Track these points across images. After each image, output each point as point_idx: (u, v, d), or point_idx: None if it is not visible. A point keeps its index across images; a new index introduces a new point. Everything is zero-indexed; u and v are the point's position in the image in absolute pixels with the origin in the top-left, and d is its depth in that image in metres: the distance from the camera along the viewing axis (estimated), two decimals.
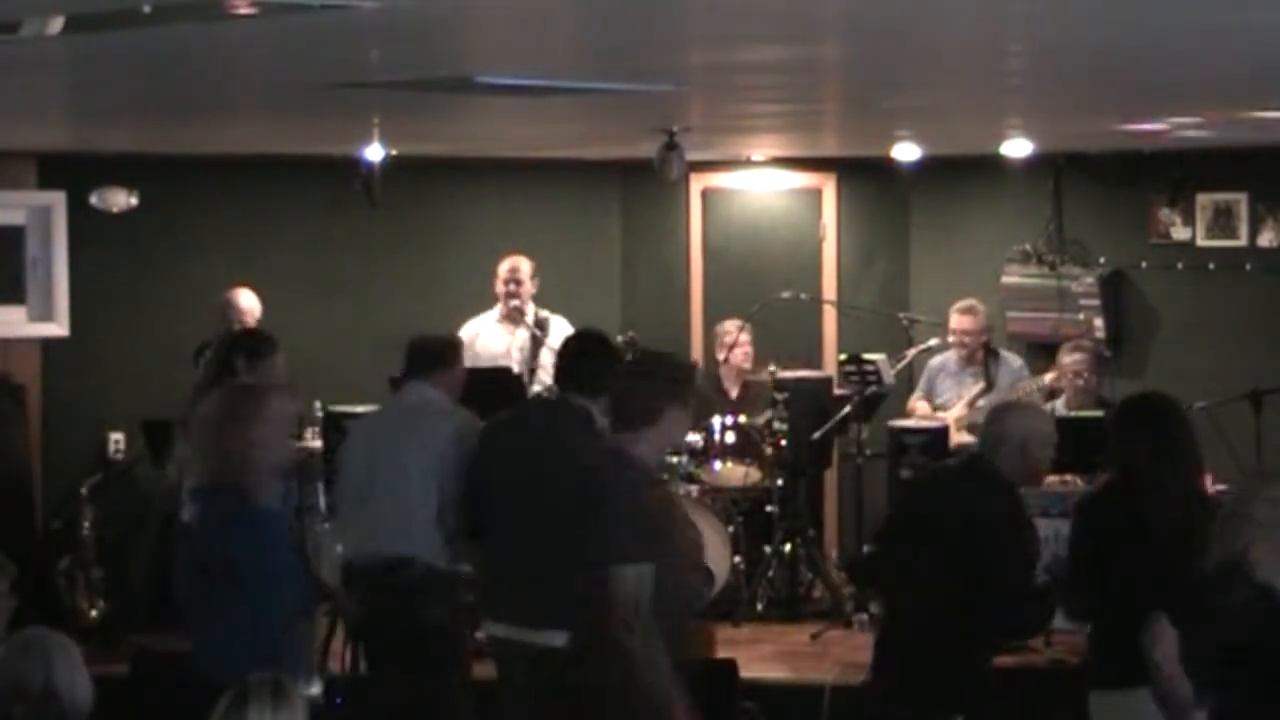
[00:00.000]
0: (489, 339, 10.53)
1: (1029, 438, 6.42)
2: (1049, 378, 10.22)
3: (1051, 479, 9.38)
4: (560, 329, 10.42)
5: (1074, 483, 9.34)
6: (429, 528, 7.21)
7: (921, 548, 6.42)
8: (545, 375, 10.19)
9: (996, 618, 6.34)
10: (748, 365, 10.76)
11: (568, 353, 6.72)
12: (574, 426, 6.45)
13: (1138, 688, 6.01)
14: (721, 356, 10.83)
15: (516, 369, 10.17)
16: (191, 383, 9.33)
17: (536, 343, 10.31)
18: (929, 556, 6.36)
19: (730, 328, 10.86)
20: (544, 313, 10.47)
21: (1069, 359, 10.05)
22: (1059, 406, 10.00)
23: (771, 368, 10.54)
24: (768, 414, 10.24)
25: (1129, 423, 6.40)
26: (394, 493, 7.28)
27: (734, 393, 10.71)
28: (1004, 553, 6.25)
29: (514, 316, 10.44)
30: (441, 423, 7.34)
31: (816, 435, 10.34)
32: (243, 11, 4.77)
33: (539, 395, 7.12)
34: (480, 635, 9.27)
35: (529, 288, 10.48)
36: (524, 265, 10.52)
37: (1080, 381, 9.95)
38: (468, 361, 10.38)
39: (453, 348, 7.82)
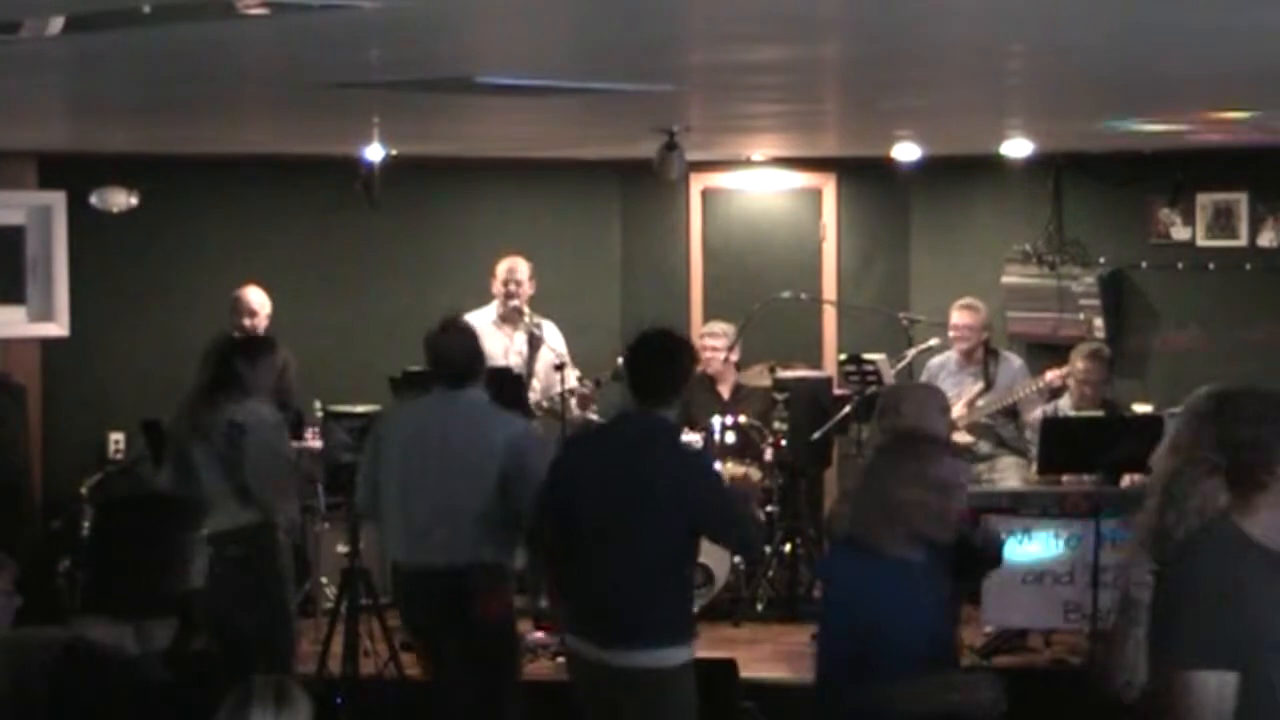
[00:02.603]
0: (486, 340, 10.49)
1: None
2: (1051, 375, 10.20)
3: (1065, 478, 9.41)
4: (551, 334, 10.42)
5: (1078, 482, 9.34)
6: (492, 527, 7.16)
7: None
8: (539, 381, 10.18)
9: None
10: (714, 370, 10.71)
11: (641, 363, 6.59)
12: (668, 446, 6.51)
13: None
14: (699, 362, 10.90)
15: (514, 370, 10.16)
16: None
17: (534, 344, 10.30)
18: None
19: (716, 329, 10.85)
20: (536, 318, 10.43)
21: (1082, 364, 10.00)
22: (1062, 406, 10.00)
23: (761, 367, 10.56)
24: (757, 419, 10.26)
25: None
26: (453, 495, 7.16)
27: (726, 394, 10.71)
28: None
29: (512, 317, 10.43)
30: (508, 424, 7.31)
31: (816, 435, 10.35)
32: (244, 11, 4.77)
33: (625, 413, 6.91)
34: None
35: (527, 288, 10.47)
36: (522, 266, 10.51)
37: (1087, 389, 9.95)
38: None
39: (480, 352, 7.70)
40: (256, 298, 10.38)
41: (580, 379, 10.05)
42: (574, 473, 6.63)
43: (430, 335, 7.50)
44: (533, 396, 10.07)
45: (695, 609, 9.79)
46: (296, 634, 8.25)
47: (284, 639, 7.95)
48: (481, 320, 10.58)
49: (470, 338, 7.54)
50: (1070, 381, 10.07)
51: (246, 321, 10.29)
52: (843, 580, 5.36)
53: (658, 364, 6.54)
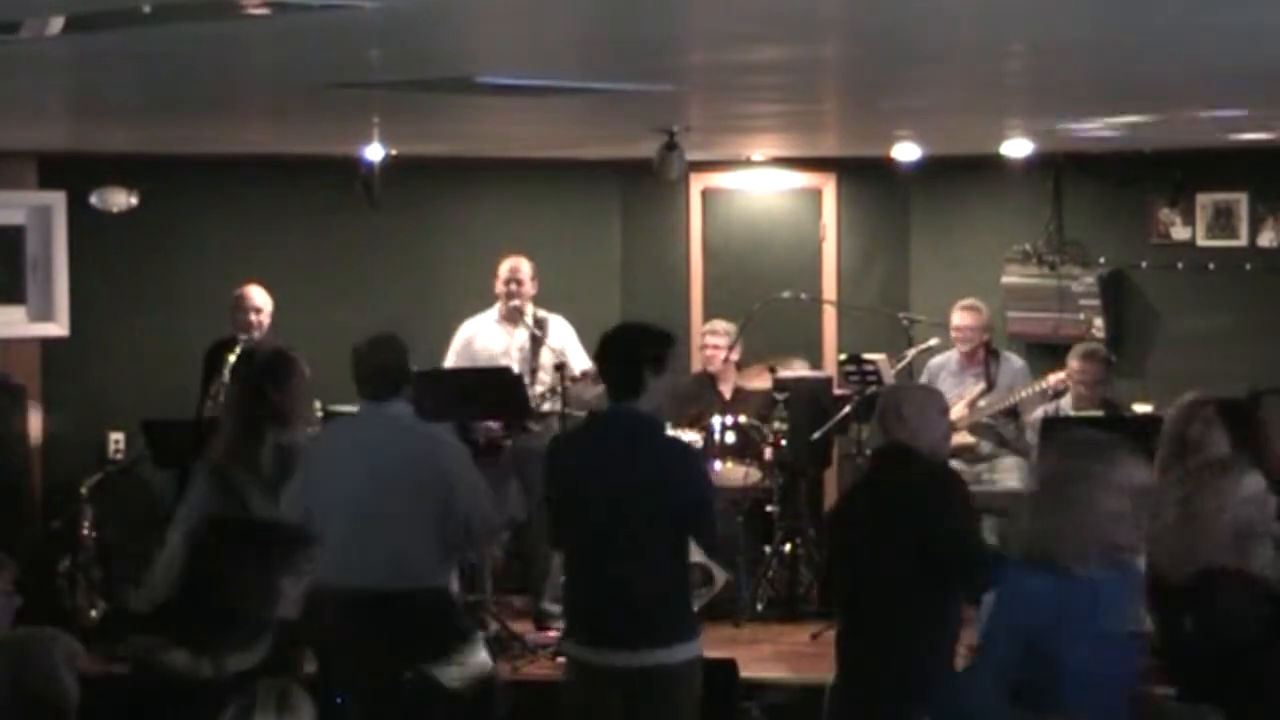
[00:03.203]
0: (488, 339, 10.52)
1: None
2: (1053, 379, 10.20)
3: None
4: (559, 328, 10.42)
5: None
6: (433, 549, 6.91)
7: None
8: (545, 375, 10.19)
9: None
10: (714, 369, 10.74)
11: (611, 359, 6.58)
12: (654, 439, 6.51)
13: None
14: (700, 360, 10.92)
15: (516, 369, 10.16)
16: (210, 390, 9.31)
17: (536, 343, 10.30)
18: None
19: (717, 328, 10.86)
20: (542, 312, 10.45)
21: (1076, 364, 10.00)
22: (1064, 406, 10.00)
23: (761, 367, 10.55)
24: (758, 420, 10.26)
25: None
26: (398, 517, 6.87)
27: (727, 394, 10.72)
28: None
29: (513, 316, 10.43)
30: (441, 439, 7.19)
31: (816, 435, 10.35)
32: (245, 11, 4.77)
33: (603, 411, 6.87)
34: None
35: (529, 288, 10.47)
36: (524, 266, 10.51)
37: (1083, 390, 9.94)
38: (465, 361, 10.45)
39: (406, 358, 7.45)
40: (259, 296, 10.38)
41: (584, 373, 9.97)
42: (565, 474, 6.62)
43: (356, 349, 7.32)
44: (539, 389, 10.08)
45: (695, 609, 9.82)
46: None
47: None
48: (484, 321, 10.61)
49: (397, 351, 7.31)
50: (1068, 383, 10.08)
51: (248, 319, 10.28)
52: (1020, 600, 4.87)
53: (614, 358, 6.55)
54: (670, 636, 6.37)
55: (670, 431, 10.19)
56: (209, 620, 4.83)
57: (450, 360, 10.47)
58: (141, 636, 4.98)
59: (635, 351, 6.51)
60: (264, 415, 7.26)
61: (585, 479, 6.49)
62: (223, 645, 4.80)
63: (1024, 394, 10.34)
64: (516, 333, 10.45)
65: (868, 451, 10.26)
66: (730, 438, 10.22)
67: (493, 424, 9.95)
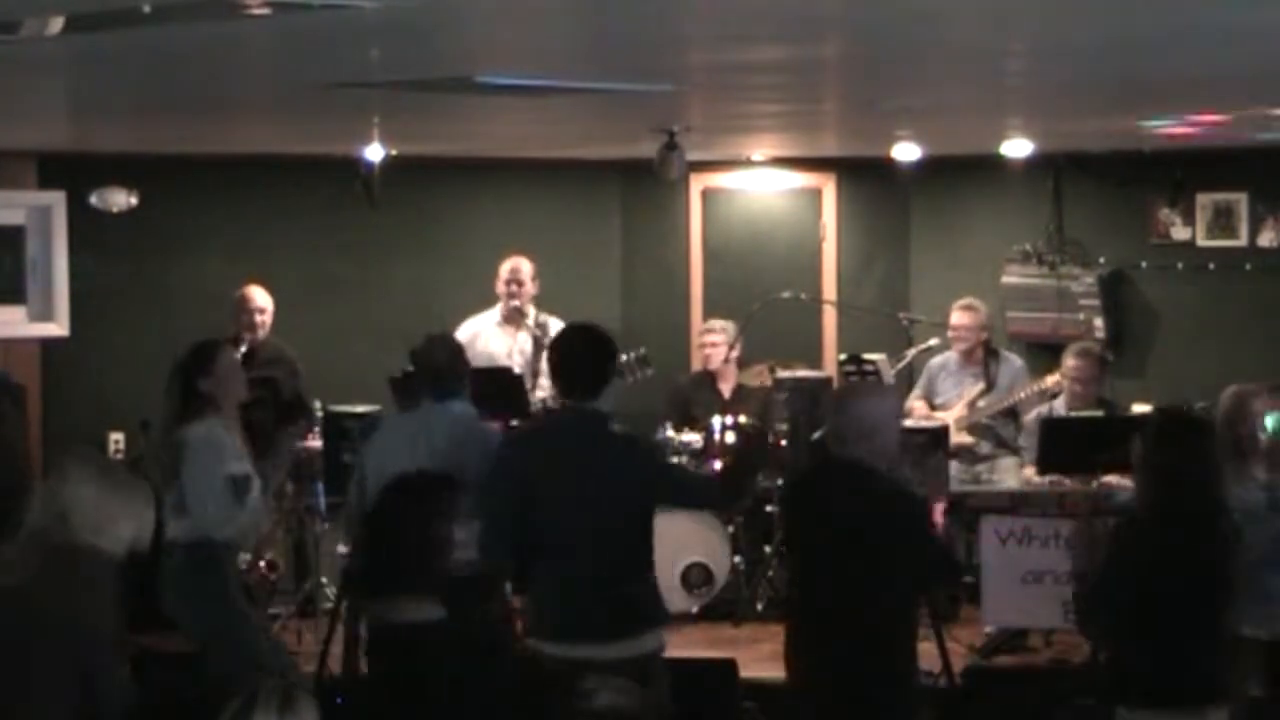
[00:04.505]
0: (490, 340, 10.53)
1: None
2: (1051, 380, 10.20)
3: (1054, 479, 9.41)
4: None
5: (1060, 483, 9.34)
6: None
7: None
8: (545, 381, 10.18)
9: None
10: (714, 367, 10.73)
11: (565, 359, 6.61)
12: (606, 435, 6.49)
13: None
14: (699, 359, 10.91)
15: (517, 370, 10.16)
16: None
17: (538, 345, 10.30)
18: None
19: (715, 326, 10.87)
20: (544, 315, 10.45)
21: (1070, 362, 10.01)
22: (1056, 407, 9.99)
23: (761, 367, 10.54)
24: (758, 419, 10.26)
25: None
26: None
27: (726, 393, 10.72)
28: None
29: (514, 318, 10.43)
30: (490, 437, 7.32)
31: (816, 435, 10.34)
32: (245, 11, 4.77)
33: (549, 408, 6.98)
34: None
35: (530, 289, 10.47)
36: (525, 266, 10.51)
37: (1078, 388, 9.94)
38: None
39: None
40: (260, 297, 10.38)
41: None
42: (522, 475, 6.59)
43: (414, 350, 7.51)
44: (540, 394, 10.08)
45: (695, 609, 9.83)
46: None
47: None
48: (486, 321, 10.61)
49: (454, 350, 7.49)
50: (1064, 382, 10.08)
51: (250, 320, 10.29)
52: None
53: (581, 358, 6.54)
54: (641, 626, 6.40)
55: (669, 432, 10.26)
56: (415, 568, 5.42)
57: None
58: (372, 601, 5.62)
59: (601, 351, 6.56)
60: (195, 404, 7.41)
61: (546, 477, 6.51)
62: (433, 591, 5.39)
63: (1023, 394, 10.34)
64: (519, 336, 10.46)
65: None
66: (730, 438, 10.21)
67: (493, 424, 9.94)
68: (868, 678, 6.28)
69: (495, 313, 10.54)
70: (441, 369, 7.45)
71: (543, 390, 10.12)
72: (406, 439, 7.31)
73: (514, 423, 9.87)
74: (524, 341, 10.41)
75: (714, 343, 10.76)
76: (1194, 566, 5.88)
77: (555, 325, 10.41)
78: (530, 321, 10.44)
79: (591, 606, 6.41)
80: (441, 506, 5.53)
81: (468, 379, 7.57)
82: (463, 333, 10.55)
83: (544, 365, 10.23)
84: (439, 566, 5.46)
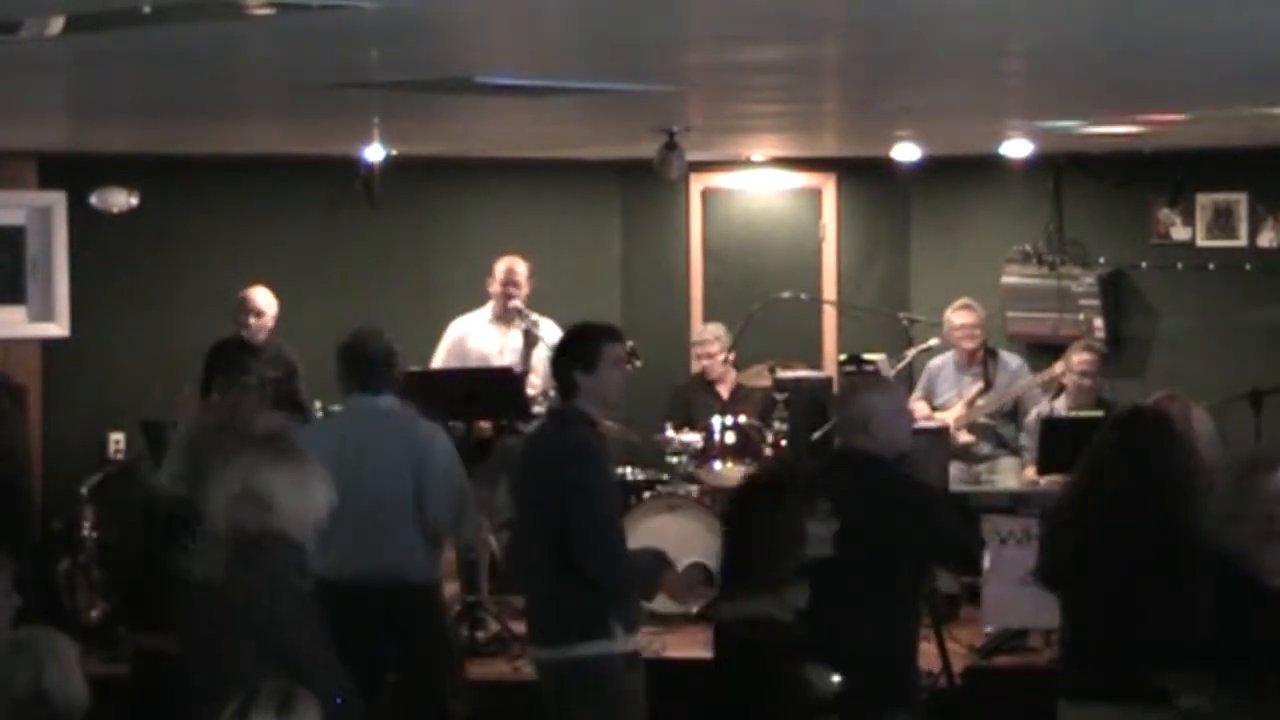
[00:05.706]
0: (481, 338, 10.51)
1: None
2: (1059, 367, 10.18)
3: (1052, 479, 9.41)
4: (549, 332, 10.41)
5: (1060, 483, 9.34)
6: (419, 541, 7.23)
7: None
8: (536, 378, 10.18)
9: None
10: (712, 375, 10.74)
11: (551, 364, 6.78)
12: (563, 442, 6.52)
13: None
14: (697, 367, 10.91)
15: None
16: (211, 390, 9.31)
17: (530, 343, 10.28)
18: None
19: (708, 335, 10.87)
20: (534, 315, 10.42)
21: (1078, 357, 10.02)
22: (1059, 406, 9.99)
23: (761, 367, 10.55)
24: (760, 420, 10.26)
25: None
26: (385, 509, 7.14)
27: (725, 394, 10.71)
28: None
29: (509, 317, 10.43)
30: (429, 431, 7.33)
31: (816, 435, 10.34)
32: (245, 11, 4.77)
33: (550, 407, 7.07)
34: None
35: (525, 288, 10.46)
36: (520, 266, 10.50)
37: (1086, 381, 9.94)
38: (455, 360, 10.42)
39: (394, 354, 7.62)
40: (263, 298, 10.38)
41: None
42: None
43: (342, 345, 7.51)
44: (530, 393, 10.07)
45: (695, 609, 9.81)
46: None
47: None
48: (477, 320, 10.59)
49: (383, 344, 7.47)
50: (1068, 379, 10.07)
51: (253, 321, 10.28)
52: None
53: (554, 362, 6.66)
54: (582, 632, 6.41)
55: (670, 432, 10.25)
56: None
57: (440, 358, 10.44)
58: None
59: (560, 354, 6.63)
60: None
61: (520, 480, 6.77)
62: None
63: (1023, 390, 10.35)
64: (510, 333, 10.44)
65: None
66: (730, 438, 10.21)
67: (483, 423, 9.94)
68: (869, 668, 6.24)
69: (486, 311, 10.53)
70: (375, 360, 7.42)
71: (533, 388, 10.11)
72: (335, 437, 7.31)
73: (519, 425, 9.91)
74: (515, 340, 10.39)
75: (710, 353, 10.76)
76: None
77: (546, 324, 10.42)
78: (524, 319, 10.41)
79: (535, 610, 6.68)
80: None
81: (398, 379, 7.55)
82: (453, 331, 10.56)
83: (534, 364, 10.25)
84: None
